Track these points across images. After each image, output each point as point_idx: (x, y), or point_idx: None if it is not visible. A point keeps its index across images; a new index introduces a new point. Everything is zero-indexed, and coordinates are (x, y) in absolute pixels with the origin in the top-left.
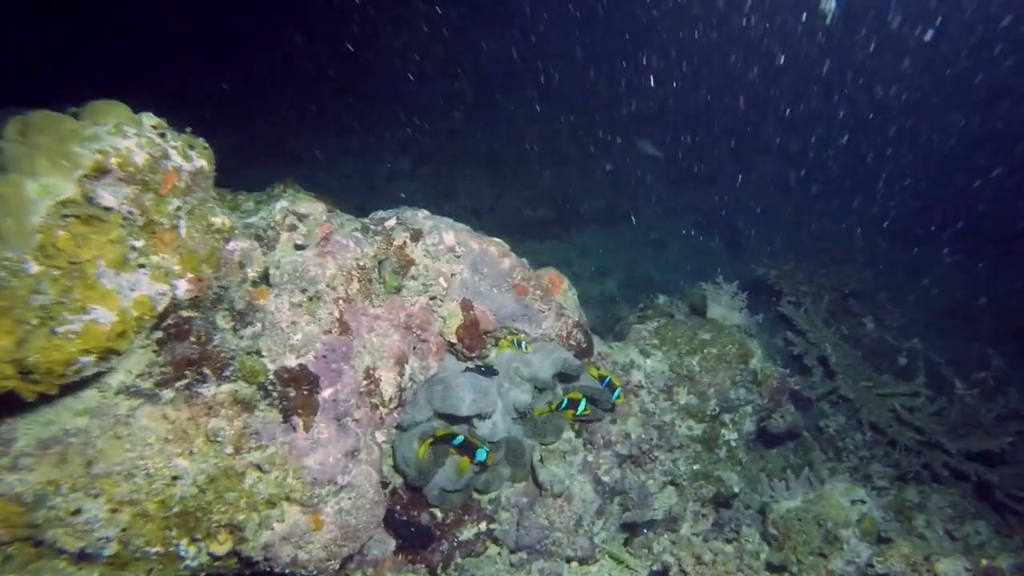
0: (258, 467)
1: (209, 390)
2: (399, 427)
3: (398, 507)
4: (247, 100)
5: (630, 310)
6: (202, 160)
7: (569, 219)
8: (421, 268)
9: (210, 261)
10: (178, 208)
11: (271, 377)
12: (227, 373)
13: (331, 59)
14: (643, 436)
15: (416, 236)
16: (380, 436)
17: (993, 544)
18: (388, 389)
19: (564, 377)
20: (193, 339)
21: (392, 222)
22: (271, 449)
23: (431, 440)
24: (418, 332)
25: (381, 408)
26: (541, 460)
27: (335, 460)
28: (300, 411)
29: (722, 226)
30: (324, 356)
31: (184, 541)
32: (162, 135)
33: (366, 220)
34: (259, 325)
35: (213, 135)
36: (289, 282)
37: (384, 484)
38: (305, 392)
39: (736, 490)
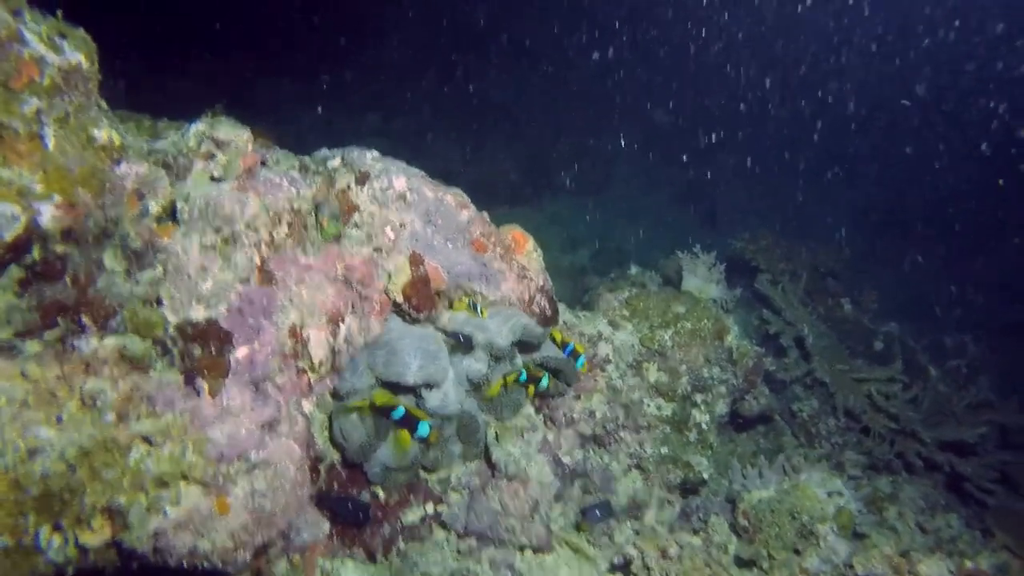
0: (147, 439)
1: (88, 344)
2: (335, 395)
3: (335, 485)
4: (209, 45)
5: (600, 280)
6: (79, 55)
7: (542, 186)
8: (366, 215)
9: (89, 184)
10: (38, 111)
11: (171, 331)
12: (114, 324)
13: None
14: (608, 415)
15: (362, 179)
16: (307, 405)
17: (964, 539)
18: (318, 351)
19: (524, 346)
20: (68, 280)
21: (336, 162)
22: (167, 417)
23: (366, 407)
24: (359, 288)
25: (309, 373)
26: (496, 438)
27: (248, 432)
28: (206, 372)
29: (700, 199)
30: (239, 309)
31: (45, 529)
32: (15, 12)
33: (306, 158)
34: (160, 269)
35: (167, 79)
36: (200, 219)
37: (318, 459)
38: (214, 351)
39: (705, 476)
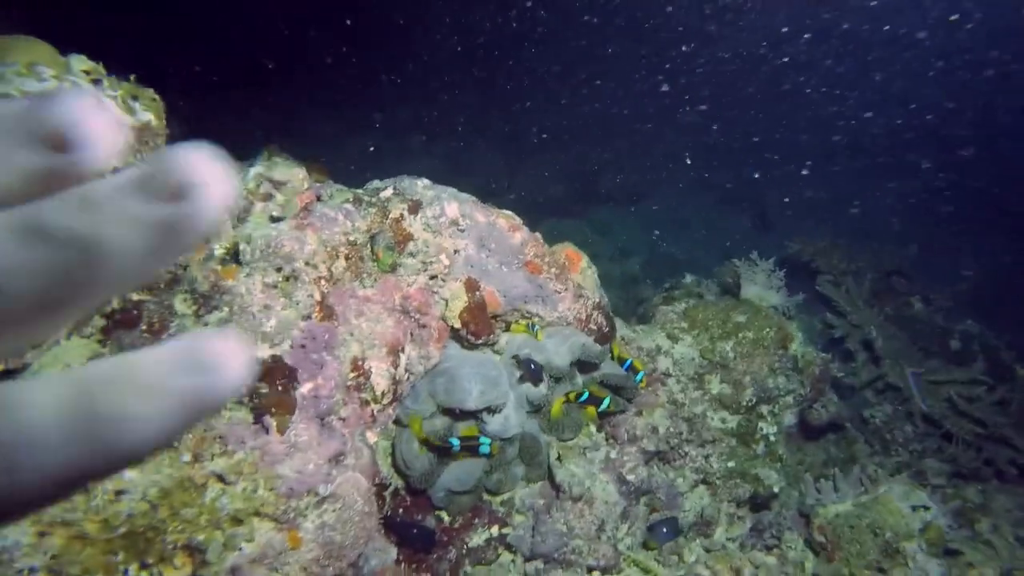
0: (221, 478)
1: None
2: (397, 423)
3: (400, 510)
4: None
5: (655, 291)
6: (149, 114)
7: (589, 197)
8: (420, 243)
9: None
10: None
11: None
12: None
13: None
14: (672, 430)
15: (415, 208)
16: (371, 436)
17: None
18: (380, 382)
19: (583, 365)
20: (144, 326)
21: (388, 192)
22: (238, 455)
23: (426, 444)
24: (416, 316)
25: (372, 404)
26: (559, 458)
27: (315, 467)
28: (274, 410)
29: (748, 202)
30: (303, 345)
31: (133, 567)
32: (95, 81)
33: (359, 191)
34: (226, 310)
35: (217, 117)
36: (261, 259)
37: (383, 486)
38: (280, 387)
39: (776, 489)
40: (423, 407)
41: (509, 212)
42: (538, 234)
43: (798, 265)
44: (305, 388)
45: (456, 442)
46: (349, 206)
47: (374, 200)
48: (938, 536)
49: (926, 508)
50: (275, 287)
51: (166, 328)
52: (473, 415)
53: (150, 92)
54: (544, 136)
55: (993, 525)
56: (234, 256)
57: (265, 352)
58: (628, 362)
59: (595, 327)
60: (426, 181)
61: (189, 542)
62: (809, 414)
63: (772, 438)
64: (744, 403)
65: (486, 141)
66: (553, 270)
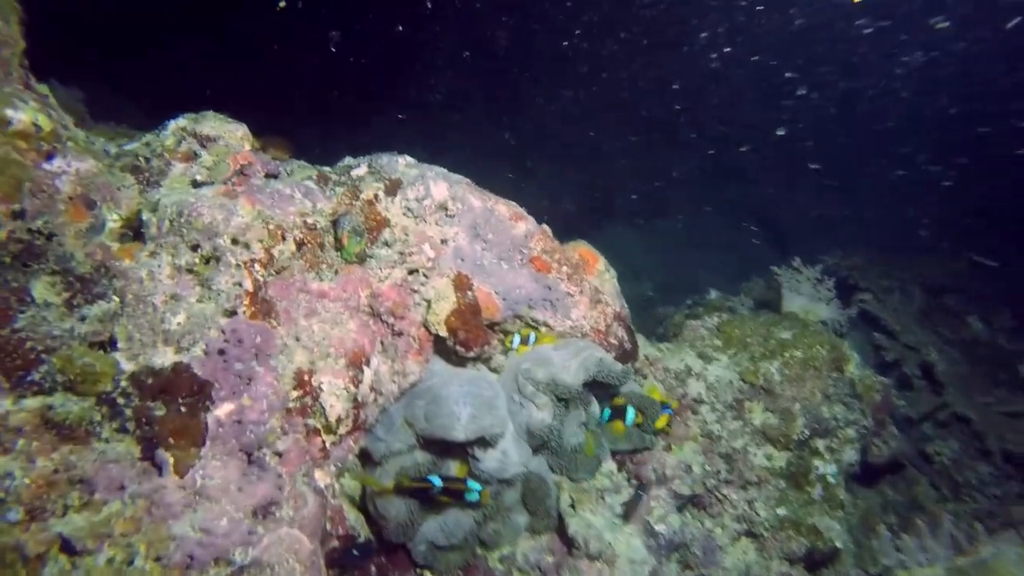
0: (68, 545)
1: None
2: (366, 456)
3: (372, 571)
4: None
5: (676, 309)
6: None
7: (600, 214)
8: (398, 231)
9: None
10: None
11: (124, 384)
12: (35, 376)
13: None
14: (708, 468)
15: (393, 188)
16: (321, 477)
17: None
18: (335, 404)
19: (599, 387)
20: None
21: (361, 170)
22: (109, 508)
23: (397, 487)
24: (389, 320)
25: (323, 435)
26: (572, 504)
27: (231, 523)
28: (172, 440)
29: (764, 220)
30: (221, 351)
31: None
32: None
33: (327, 168)
34: (115, 300)
35: None
36: (172, 233)
37: (350, 537)
38: (184, 409)
39: (839, 544)
40: (399, 438)
41: (511, 202)
42: (546, 226)
43: (835, 281)
44: (222, 410)
45: (438, 481)
46: (311, 184)
47: (344, 179)
48: None
49: None
50: (190, 271)
51: (10, 321)
52: (462, 449)
53: None
54: (554, 154)
55: None
56: (137, 230)
57: (167, 358)
58: (668, 407)
59: (615, 341)
60: (409, 159)
61: None
62: (868, 450)
63: (831, 479)
64: (795, 436)
65: (496, 156)
66: (565, 269)
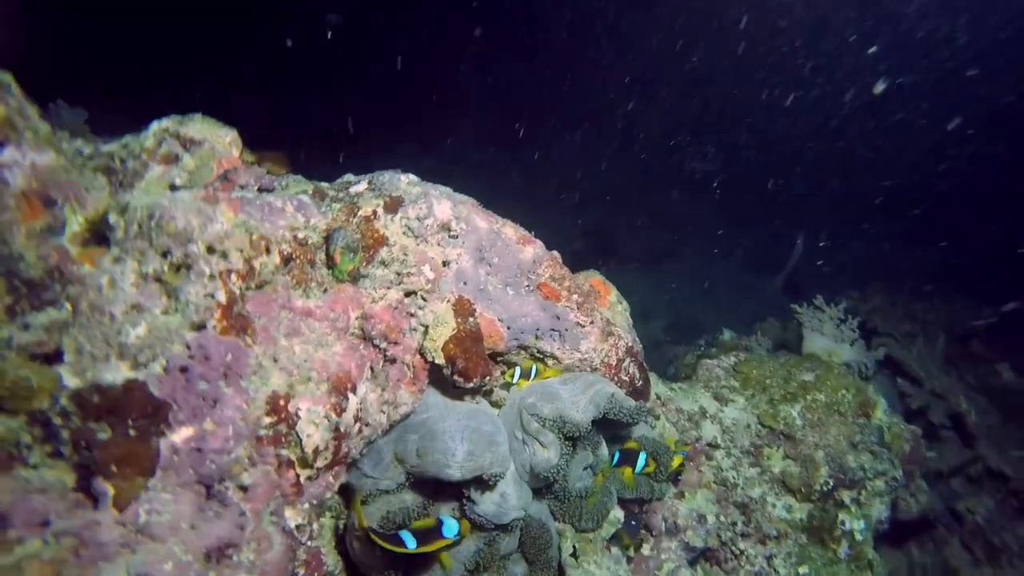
0: None
1: None
2: (348, 494)
3: None
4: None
5: (687, 349)
6: None
7: (608, 256)
8: (396, 250)
9: None
10: None
11: (63, 402)
12: None
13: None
14: (722, 519)
15: (393, 205)
16: (292, 516)
17: None
18: (314, 433)
19: (607, 426)
20: None
21: (361, 187)
22: (24, 548)
23: (371, 537)
24: (382, 344)
25: (298, 468)
26: (574, 554)
27: (175, 568)
28: (115, 468)
29: (775, 264)
30: (183, 368)
31: None
32: None
33: (324, 183)
34: (67, 308)
35: None
36: (140, 238)
37: None
38: (134, 432)
39: None
40: (387, 475)
41: (519, 226)
42: (556, 252)
43: None
44: (179, 435)
45: (410, 539)
46: (305, 198)
47: (341, 195)
48: None
49: None
50: (157, 280)
51: None
52: (457, 489)
53: None
54: (566, 192)
55: None
56: (103, 234)
57: (118, 374)
58: (685, 454)
59: (626, 378)
60: (412, 176)
61: None
62: (897, 505)
63: (859, 536)
64: (817, 486)
65: (505, 194)
66: (575, 297)
